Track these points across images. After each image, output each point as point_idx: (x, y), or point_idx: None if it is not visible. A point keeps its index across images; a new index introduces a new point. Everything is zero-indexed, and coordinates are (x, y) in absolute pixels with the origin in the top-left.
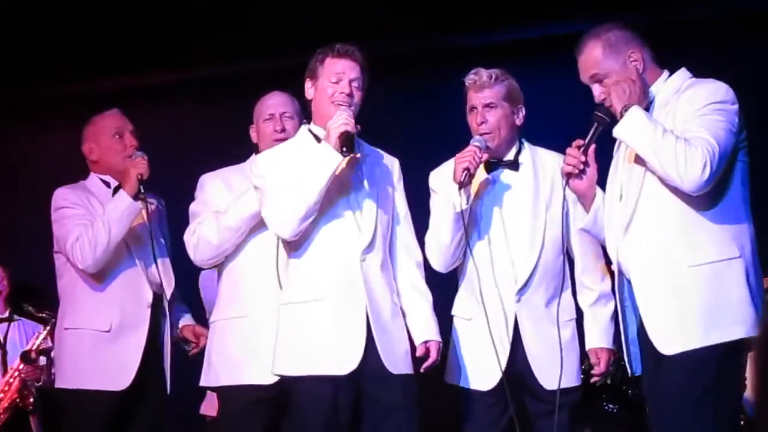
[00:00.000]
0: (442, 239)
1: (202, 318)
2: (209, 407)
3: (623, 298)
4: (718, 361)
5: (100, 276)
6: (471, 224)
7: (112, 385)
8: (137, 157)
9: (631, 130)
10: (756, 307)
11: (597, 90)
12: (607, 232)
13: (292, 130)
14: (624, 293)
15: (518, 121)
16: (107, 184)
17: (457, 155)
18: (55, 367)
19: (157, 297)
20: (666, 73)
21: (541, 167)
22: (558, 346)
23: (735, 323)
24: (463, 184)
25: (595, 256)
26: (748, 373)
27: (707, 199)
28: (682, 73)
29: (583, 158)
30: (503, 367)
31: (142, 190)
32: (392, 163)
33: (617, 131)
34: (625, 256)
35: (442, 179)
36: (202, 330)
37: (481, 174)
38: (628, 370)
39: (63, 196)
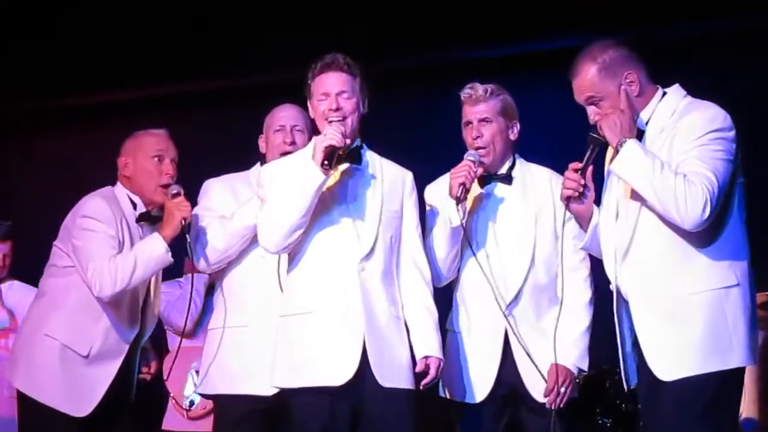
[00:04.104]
0: (438, 253)
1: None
2: (172, 422)
3: (620, 315)
4: (716, 386)
5: (91, 300)
6: (464, 237)
7: (72, 409)
8: (177, 193)
9: (628, 166)
10: (753, 335)
11: (592, 112)
12: (605, 252)
13: (302, 144)
14: (621, 312)
15: (513, 136)
16: (134, 204)
17: (452, 170)
18: (16, 365)
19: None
20: (660, 91)
21: (531, 182)
22: (549, 359)
23: (734, 351)
24: (460, 200)
25: (581, 306)
26: (747, 393)
27: (706, 226)
28: (676, 92)
29: (582, 181)
30: (493, 382)
31: (189, 239)
32: (404, 176)
33: (614, 167)
34: (624, 281)
35: (437, 194)
36: (155, 357)
37: (475, 188)
38: (624, 385)
39: (97, 207)
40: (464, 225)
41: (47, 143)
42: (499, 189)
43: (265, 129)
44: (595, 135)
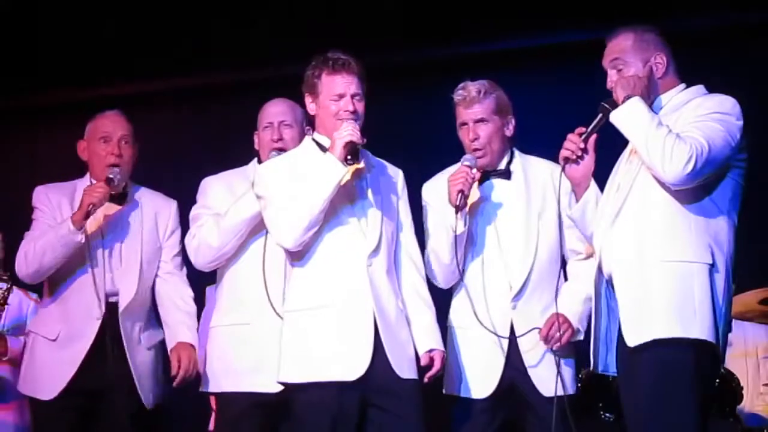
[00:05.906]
0: (442, 259)
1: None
2: None
3: (598, 293)
4: (687, 361)
5: (54, 284)
6: (465, 234)
7: (41, 393)
8: (96, 183)
9: (626, 117)
10: (716, 317)
11: (612, 77)
12: (597, 224)
13: (290, 139)
14: (601, 289)
15: (509, 132)
16: None
17: (450, 177)
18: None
19: (115, 306)
20: (683, 85)
21: (532, 176)
22: (554, 353)
23: (695, 323)
24: (459, 207)
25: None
26: (745, 383)
27: (693, 203)
28: (697, 89)
29: (582, 145)
30: (499, 377)
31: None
32: (396, 174)
33: (614, 117)
34: (608, 246)
35: (435, 192)
36: (188, 354)
37: (474, 187)
38: (590, 364)
39: (37, 196)
40: (466, 226)
41: (50, 139)
42: (499, 184)
43: (257, 125)
44: (606, 104)
